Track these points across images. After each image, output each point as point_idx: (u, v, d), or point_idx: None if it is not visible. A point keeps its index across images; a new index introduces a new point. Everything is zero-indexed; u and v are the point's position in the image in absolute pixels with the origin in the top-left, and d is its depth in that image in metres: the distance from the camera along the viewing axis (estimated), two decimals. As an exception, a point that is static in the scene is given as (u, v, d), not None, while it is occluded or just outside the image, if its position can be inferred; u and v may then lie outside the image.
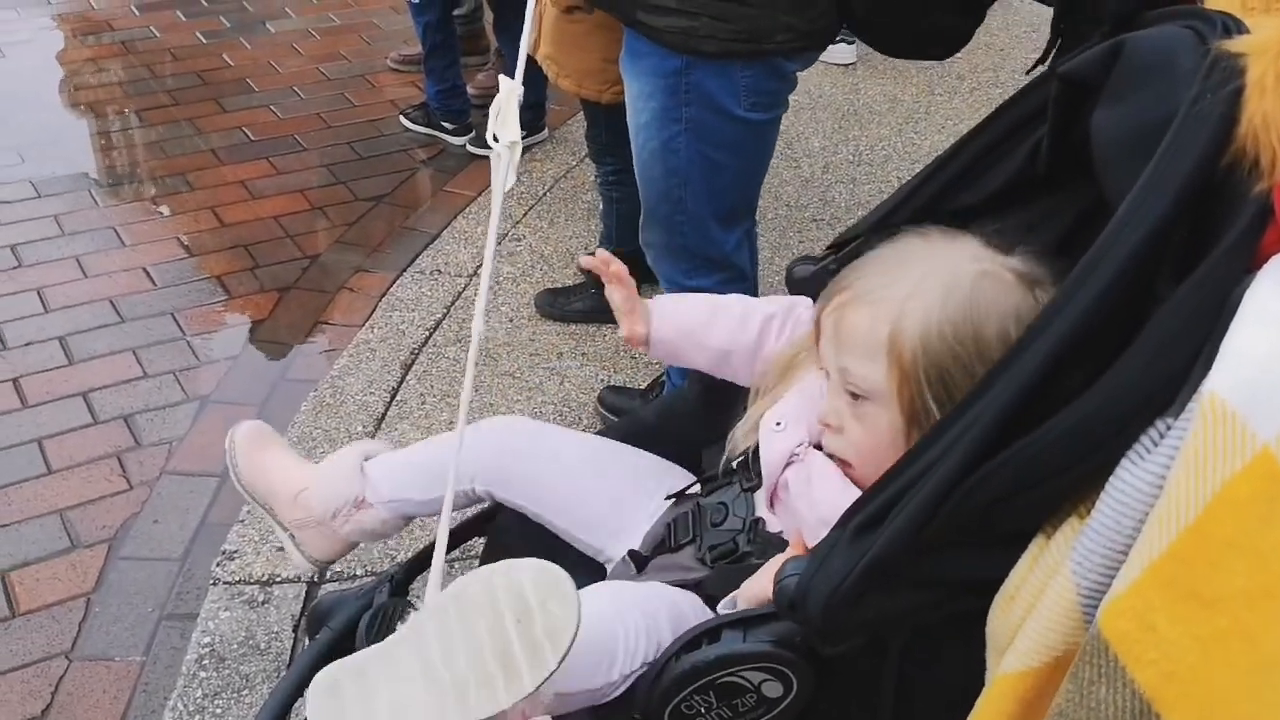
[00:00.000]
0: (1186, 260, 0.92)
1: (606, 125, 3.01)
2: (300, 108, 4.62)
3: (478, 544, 1.83)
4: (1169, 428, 0.88)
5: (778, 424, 1.34)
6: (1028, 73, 1.35)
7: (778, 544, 1.28)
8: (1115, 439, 0.91)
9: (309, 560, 1.61)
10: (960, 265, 1.21)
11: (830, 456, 1.27)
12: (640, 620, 1.21)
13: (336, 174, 4.18)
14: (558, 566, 1.07)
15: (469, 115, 4.32)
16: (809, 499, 1.25)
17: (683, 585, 1.32)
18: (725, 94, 2.09)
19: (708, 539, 1.34)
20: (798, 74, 2.19)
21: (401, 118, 4.47)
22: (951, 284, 1.19)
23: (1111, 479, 0.90)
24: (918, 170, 1.45)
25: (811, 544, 1.18)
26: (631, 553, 1.41)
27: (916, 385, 1.17)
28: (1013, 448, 0.95)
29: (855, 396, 1.22)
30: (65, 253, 3.63)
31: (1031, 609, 0.96)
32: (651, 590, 1.29)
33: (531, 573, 1.07)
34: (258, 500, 1.62)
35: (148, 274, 3.56)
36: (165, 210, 3.93)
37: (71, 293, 3.45)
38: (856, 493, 1.19)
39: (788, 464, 1.30)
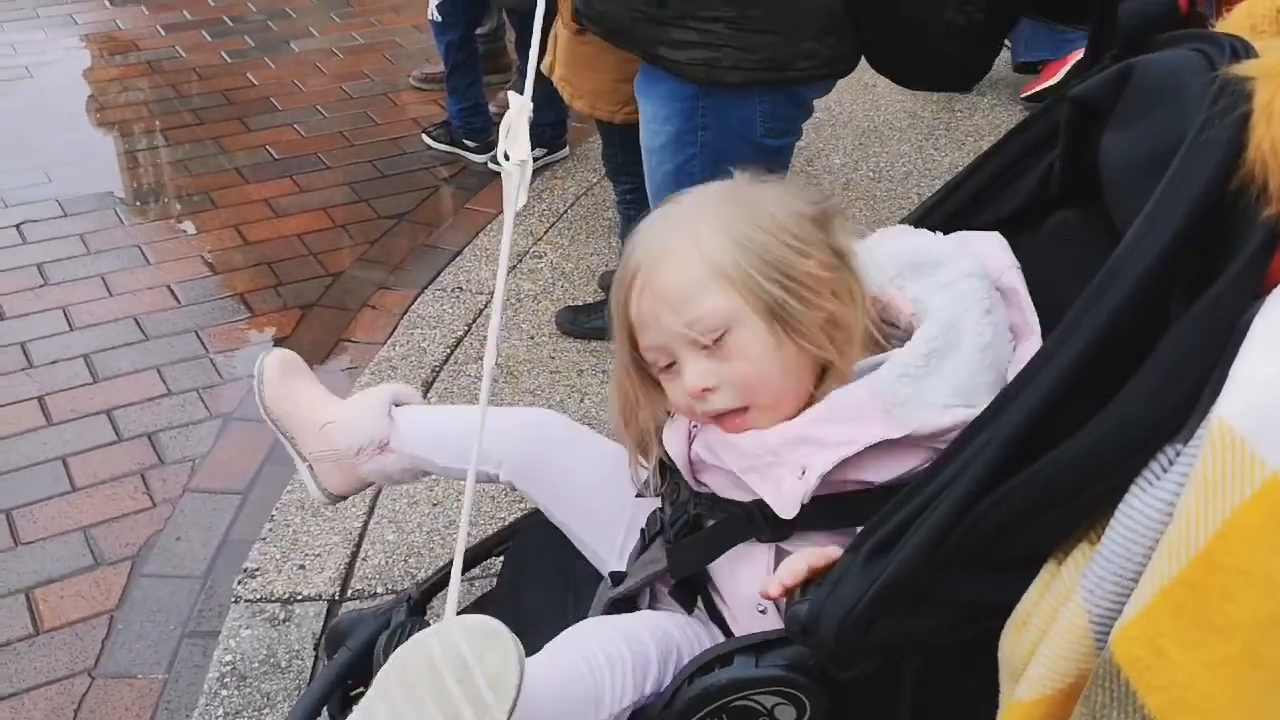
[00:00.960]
0: (1197, 285, 0.92)
1: (621, 144, 2.99)
2: (323, 126, 4.65)
3: (496, 563, 1.84)
4: (1178, 454, 0.88)
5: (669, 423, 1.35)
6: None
7: (723, 502, 1.27)
8: (1125, 464, 0.91)
9: (324, 492, 1.63)
10: (711, 189, 1.33)
11: (720, 420, 1.25)
12: (624, 658, 1.21)
13: (359, 192, 4.20)
14: (488, 617, 1.05)
15: (491, 133, 4.32)
16: (729, 449, 1.24)
17: (655, 578, 1.34)
18: (743, 120, 2.07)
19: (668, 519, 1.35)
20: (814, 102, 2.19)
21: (424, 136, 4.50)
22: (718, 198, 1.30)
23: (1121, 505, 0.90)
24: (938, 187, 1.46)
25: (762, 479, 1.19)
26: (612, 574, 1.42)
27: (754, 282, 1.21)
28: (1027, 470, 0.96)
29: (715, 342, 1.22)
30: (91, 271, 3.67)
31: (1044, 636, 0.96)
32: (629, 624, 1.29)
33: (463, 629, 1.05)
34: (280, 428, 1.63)
35: (172, 292, 3.59)
36: (189, 228, 3.97)
37: (96, 311, 3.48)
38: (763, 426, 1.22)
39: (690, 442, 1.30)
